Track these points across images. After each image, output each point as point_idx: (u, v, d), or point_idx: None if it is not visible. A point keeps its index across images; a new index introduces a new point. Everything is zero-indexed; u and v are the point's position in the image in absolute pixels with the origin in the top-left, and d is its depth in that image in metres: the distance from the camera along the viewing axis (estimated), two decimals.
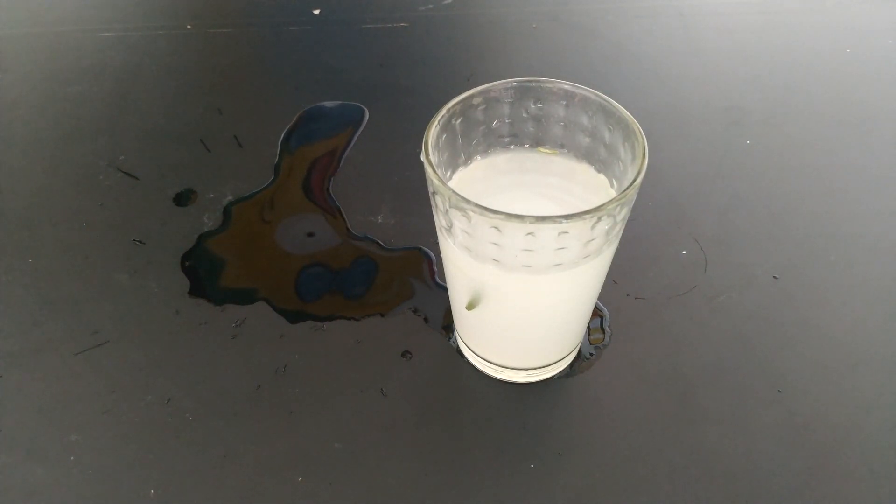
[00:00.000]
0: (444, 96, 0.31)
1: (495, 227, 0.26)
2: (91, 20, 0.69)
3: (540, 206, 0.33)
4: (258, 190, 0.50)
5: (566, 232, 0.26)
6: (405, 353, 0.39)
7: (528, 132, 0.33)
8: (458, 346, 0.39)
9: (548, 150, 0.34)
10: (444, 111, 0.30)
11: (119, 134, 0.55)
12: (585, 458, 0.35)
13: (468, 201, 0.26)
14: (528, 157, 0.34)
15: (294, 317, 0.41)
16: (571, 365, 0.38)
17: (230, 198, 0.49)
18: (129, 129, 0.56)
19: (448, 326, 0.40)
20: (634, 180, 0.27)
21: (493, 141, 0.34)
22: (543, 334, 0.35)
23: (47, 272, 0.45)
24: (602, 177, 0.33)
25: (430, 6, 0.69)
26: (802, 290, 0.42)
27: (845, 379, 0.38)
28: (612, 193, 0.32)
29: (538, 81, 0.31)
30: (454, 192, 0.27)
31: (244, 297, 0.43)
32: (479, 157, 0.34)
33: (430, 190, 0.29)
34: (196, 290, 0.43)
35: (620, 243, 0.31)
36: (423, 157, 0.28)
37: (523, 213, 0.25)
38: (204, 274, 0.44)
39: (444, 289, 0.42)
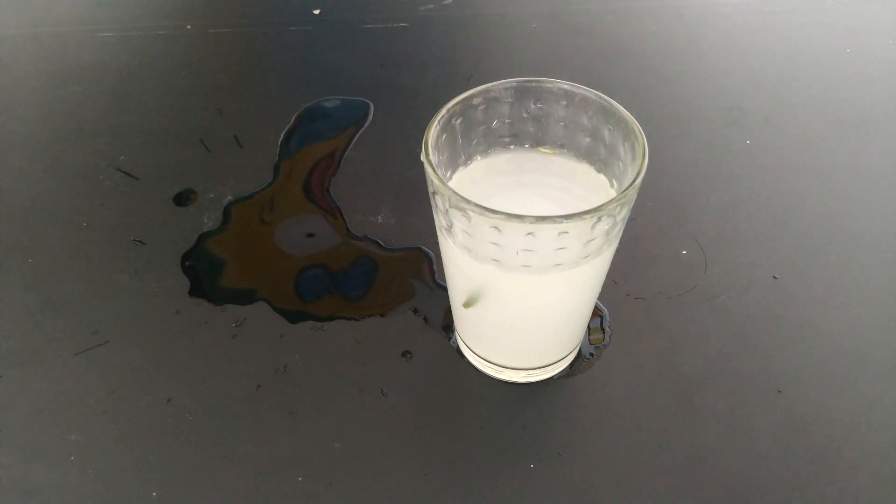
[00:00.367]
0: (444, 96, 0.31)
1: (495, 227, 0.26)
2: (91, 20, 0.69)
3: (540, 206, 0.33)
4: (258, 190, 0.50)
5: (566, 232, 0.26)
6: (405, 353, 0.39)
7: (528, 132, 0.33)
8: (458, 347, 0.39)
9: (548, 150, 0.34)
10: (444, 111, 0.30)
11: (119, 134, 0.55)
12: (585, 458, 0.35)
13: (468, 201, 0.26)
14: (528, 157, 0.34)
15: (294, 317, 0.41)
16: (571, 365, 0.38)
17: (230, 198, 0.49)
18: (129, 129, 0.56)
19: (448, 326, 0.40)
20: (634, 180, 0.27)
21: (493, 141, 0.34)
22: (543, 334, 0.35)
23: (47, 272, 0.45)
24: (602, 177, 0.33)
25: (430, 6, 0.69)
26: (802, 290, 0.42)
27: (845, 379, 0.38)
28: (612, 193, 0.32)
29: (538, 81, 0.31)
30: (454, 192, 0.27)
31: (244, 297, 0.43)
32: (479, 157, 0.34)
33: (430, 190, 0.29)
34: (196, 290, 0.43)
35: (620, 243, 0.31)
36: (423, 157, 0.28)
37: (523, 213, 0.25)
38: (204, 274, 0.44)
39: (444, 289, 0.42)
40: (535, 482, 0.34)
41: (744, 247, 0.45)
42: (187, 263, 0.45)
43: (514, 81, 0.31)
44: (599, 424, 0.36)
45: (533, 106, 0.32)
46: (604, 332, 0.40)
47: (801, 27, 0.65)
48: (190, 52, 0.64)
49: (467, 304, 0.33)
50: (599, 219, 0.26)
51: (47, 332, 0.41)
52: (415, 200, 0.48)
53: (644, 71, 0.60)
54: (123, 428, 0.36)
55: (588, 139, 0.32)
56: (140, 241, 0.46)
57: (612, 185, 0.32)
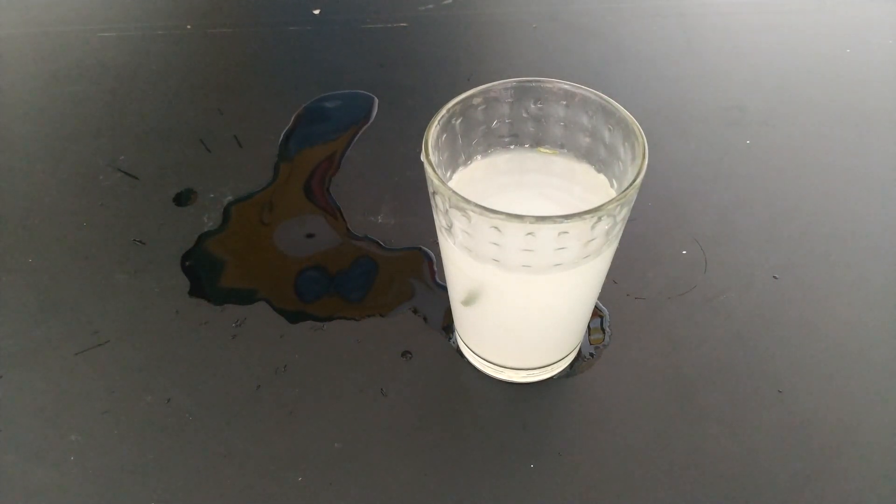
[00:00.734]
0: (444, 96, 0.31)
1: (495, 227, 0.26)
2: (91, 20, 0.69)
3: (540, 206, 0.33)
4: (258, 190, 0.50)
5: (566, 232, 0.26)
6: (405, 353, 0.39)
7: (528, 132, 0.33)
8: (458, 347, 0.39)
9: (548, 150, 0.34)
10: (444, 111, 0.30)
11: (119, 134, 0.55)
12: (585, 458, 0.35)
13: (468, 201, 0.26)
14: (528, 157, 0.34)
15: (294, 317, 0.41)
16: (571, 365, 0.38)
17: (230, 198, 0.49)
18: (129, 129, 0.56)
19: (448, 327, 0.40)
20: (634, 180, 0.27)
21: (493, 141, 0.34)
22: (543, 334, 0.35)
23: (47, 272, 0.45)
24: (602, 177, 0.33)
25: (430, 6, 0.69)
26: (802, 290, 0.42)
27: (845, 379, 0.38)
28: (612, 193, 0.32)
29: (538, 81, 0.31)
30: (454, 192, 0.27)
31: (244, 297, 0.43)
32: (479, 157, 0.34)
33: (430, 190, 0.29)
34: (196, 290, 0.43)
35: (620, 243, 0.31)
36: (423, 157, 0.28)
37: (523, 213, 0.25)
38: (204, 274, 0.44)
39: (444, 289, 0.42)
40: (535, 482, 0.34)
41: (744, 247, 0.45)
42: (187, 263, 0.45)
43: (514, 81, 0.31)
44: (599, 424, 0.36)
45: (533, 106, 0.32)
46: (604, 332, 0.40)
47: (801, 27, 0.65)
48: (190, 52, 0.64)
49: (467, 302, 0.33)
50: (599, 219, 0.26)
51: (47, 332, 0.41)
52: (415, 200, 0.48)
53: (644, 71, 0.60)
54: (123, 428, 0.36)
55: (588, 139, 0.32)
56: (140, 241, 0.46)
57: (612, 185, 0.32)
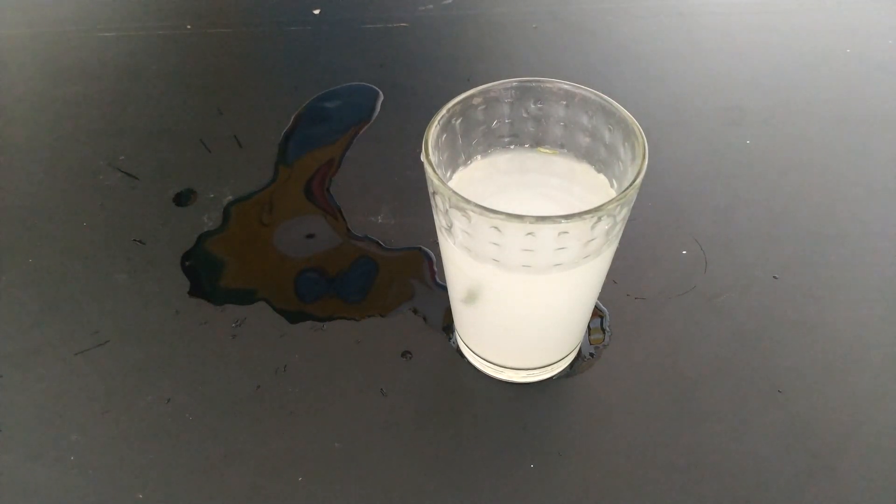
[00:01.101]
0: (444, 96, 0.31)
1: (495, 227, 0.26)
2: (91, 20, 0.69)
3: (540, 206, 0.33)
4: (258, 190, 0.50)
5: (566, 232, 0.26)
6: (405, 353, 0.39)
7: (528, 132, 0.33)
8: (458, 347, 0.39)
9: (548, 150, 0.34)
10: (444, 111, 0.30)
11: (119, 134, 0.55)
12: (585, 458, 0.35)
13: (468, 201, 0.26)
14: (528, 157, 0.34)
15: (294, 317, 0.41)
16: (571, 365, 0.38)
17: (230, 198, 0.49)
18: (129, 129, 0.56)
19: (448, 327, 0.40)
20: (634, 180, 0.27)
21: (493, 141, 0.34)
22: (543, 334, 0.35)
23: (47, 272, 0.45)
24: (602, 177, 0.33)
25: (430, 6, 0.69)
26: (802, 290, 0.42)
27: (845, 379, 0.38)
28: (612, 193, 0.32)
29: (538, 81, 0.31)
30: (454, 192, 0.27)
31: (244, 297, 0.43)
32: (479, 157, 0.34)
33: (430, 190, 0.29)
34: (196, 290, 0.43)
35: (620, 243, 0.31)
36: (423, 157, 0.28)
37: (523, 213, 0.25)
38: (204, 274, 0.44)
39: (444, 289, 0.42)
40: (535, 482, 0.34)
41: (744, 247, 0.45)
42: (187, 263, 0.45)
43: (514, 81, 0.31)
44: (599, 424, 0.36)
45: (533, 106, 0.32)
46: (604, 332, 0.40)
47: (801, 27, 0.65)
48: (190, 52, 0.64)
49: (467, 301, 0.33)
50: (599, 219, 0.26)
51: (47, 332, 0.41)
52: (415, 200, 0.48)
53: (644, 71, 0.60)
54: (123, 428, 0.36)
55: (588, 139, 0.32)
56: (140, 241, 0.46)
57: (612, 185, 0.32)
